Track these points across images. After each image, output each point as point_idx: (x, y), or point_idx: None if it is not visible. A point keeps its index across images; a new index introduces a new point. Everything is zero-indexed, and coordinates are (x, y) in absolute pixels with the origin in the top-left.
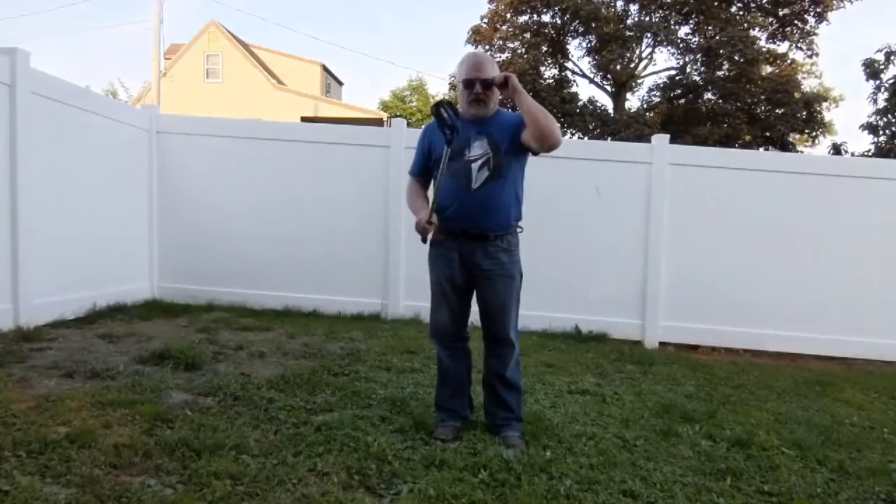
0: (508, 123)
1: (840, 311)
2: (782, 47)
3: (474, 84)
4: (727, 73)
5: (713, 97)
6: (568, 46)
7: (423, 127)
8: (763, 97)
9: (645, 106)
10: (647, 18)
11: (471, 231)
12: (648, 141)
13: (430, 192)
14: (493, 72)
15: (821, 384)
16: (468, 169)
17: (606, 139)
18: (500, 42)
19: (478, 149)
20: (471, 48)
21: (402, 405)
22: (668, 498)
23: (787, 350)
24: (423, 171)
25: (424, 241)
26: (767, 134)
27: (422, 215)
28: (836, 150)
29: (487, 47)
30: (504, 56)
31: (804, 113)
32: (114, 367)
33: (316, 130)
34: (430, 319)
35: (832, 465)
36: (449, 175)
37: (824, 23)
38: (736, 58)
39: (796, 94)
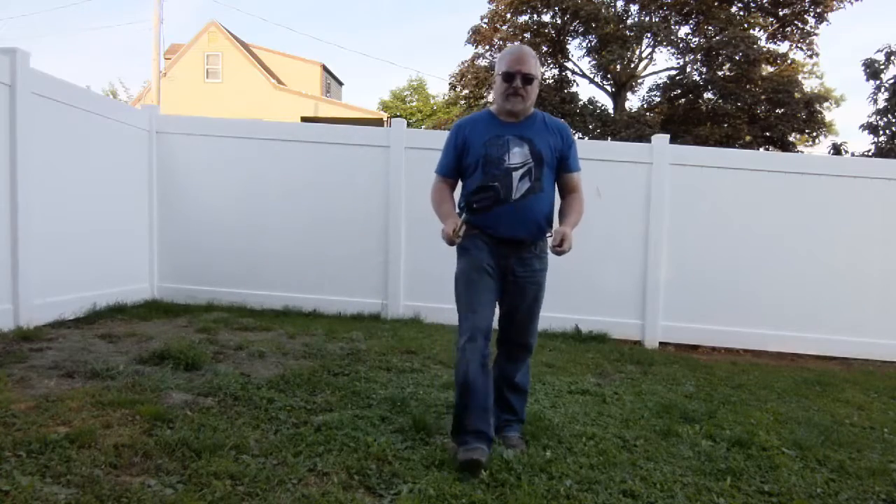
0: (552, 140)
1: (840, 311)
2: (782, 47)
3: (515, 77)
4: (727, 73)
5: (713, 97)
6: (568, 46)
7: (454, 124)
8: (763, 97)
9: (645, 106)
10: (647, 18)
11: (506, 239)
12: (648, 141)
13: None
14: (536, 68)
15: (821, 384)
16: (509, 177)
17: (606, 139)
18: (500, 42)
19: (518, 156)
20: (471, 48)
21: (402, 405)
22: (668, 498)
23: (787, 350)
24: (454, 170)
25: (451, 244)
26: (768, 134)
27: (449, 225)
28: (836, 150)
29: (487, 47)
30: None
31: (804, 113)
32: (114, 367)
33: (316, 130)
34: (463, 319)
35: (832, 465)
36: (486, 181)
37: (824, 23)
38: (736, 58)
39: (797, 95)
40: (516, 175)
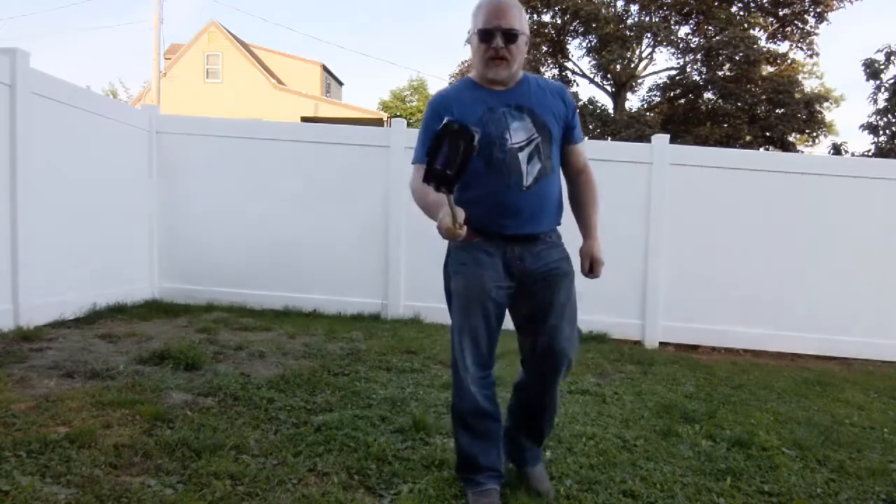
0: (555, 106)
1: (840, 311)
2: (782, 47)
3: (494, 36)
4: (727, 73)
5: (713, 97)
6: (568, 46)
7: (431, 99)
8: (763, 97)
9: (645, 106)
10: (647, 18)
11: (519, 235)
12: (648, 141)
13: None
14: (521, 21)
15: (821, 384)
16: (516, 161)
17: (606, 139)
18: None
19: (521, 131)
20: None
21: (402, 405)
22: (668, 498)
23: (787, 350)
24: None
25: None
26: (768, 134)
27: (445, 217)
28: (836, 150)
29: None
30: None
31: (804, 113)
32: (114, 367)
33: (316, 130)
34: (458, 354)
35: (832, 465)
36: (486, 170)
37: (824, 23)
38: (736, 58)
39: (797, 95)
40: (523, 156)
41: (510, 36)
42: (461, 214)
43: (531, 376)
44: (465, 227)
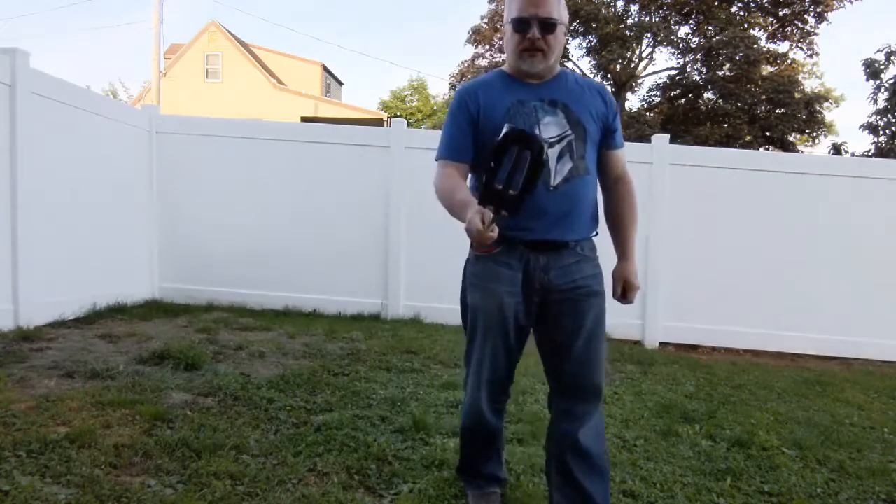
0: (593, 104)
1: (840, 311)
2: (782, 47)
3: (530, 25)
4: (727, 73)
5: (713, 97)
6: (568, 46)
7: (458, 88)
8: (763, 97)
9: (645, 106)
10: (647, 18)
11: (543, 243)
12: (648, 141)
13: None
14: (559, 9)
15: (821, 384)
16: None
17: None
18: (501, 42)
19: (553, 127)
20: (471, 48)
21: (402, 405)
22: (668, 498)
23: (787, 350)
24: (468, 149)
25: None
26: (768, 134)
27: (475, 218)
28: (836, 150)
29: (487, 47)
30: (504, 56)
31: (804, 113)
32: (114, 367)
33: (316, 130)
34: (472, 371)
35: (832, 465)
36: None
37: (824, 23)
38: (736, 58)
39: (797, 95)
40: (553, 153)
41: (548, 26)
42: (489, 215)
43: (558, 411)
44: (496, 230)
